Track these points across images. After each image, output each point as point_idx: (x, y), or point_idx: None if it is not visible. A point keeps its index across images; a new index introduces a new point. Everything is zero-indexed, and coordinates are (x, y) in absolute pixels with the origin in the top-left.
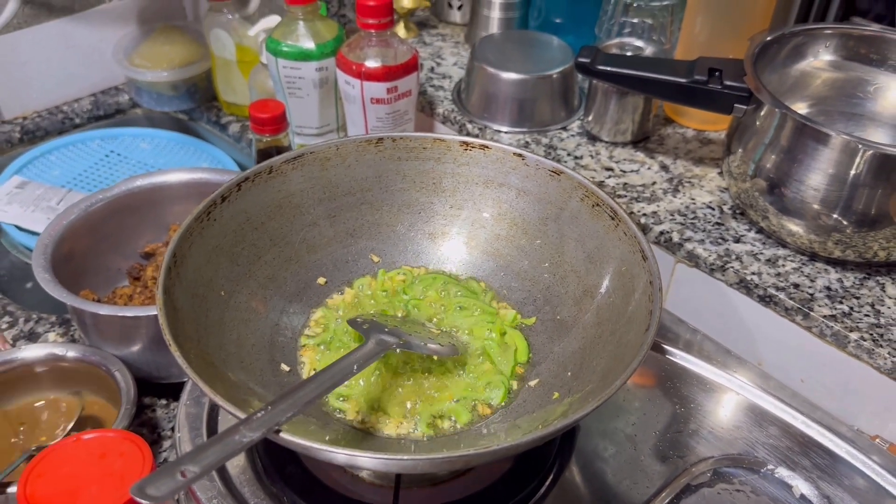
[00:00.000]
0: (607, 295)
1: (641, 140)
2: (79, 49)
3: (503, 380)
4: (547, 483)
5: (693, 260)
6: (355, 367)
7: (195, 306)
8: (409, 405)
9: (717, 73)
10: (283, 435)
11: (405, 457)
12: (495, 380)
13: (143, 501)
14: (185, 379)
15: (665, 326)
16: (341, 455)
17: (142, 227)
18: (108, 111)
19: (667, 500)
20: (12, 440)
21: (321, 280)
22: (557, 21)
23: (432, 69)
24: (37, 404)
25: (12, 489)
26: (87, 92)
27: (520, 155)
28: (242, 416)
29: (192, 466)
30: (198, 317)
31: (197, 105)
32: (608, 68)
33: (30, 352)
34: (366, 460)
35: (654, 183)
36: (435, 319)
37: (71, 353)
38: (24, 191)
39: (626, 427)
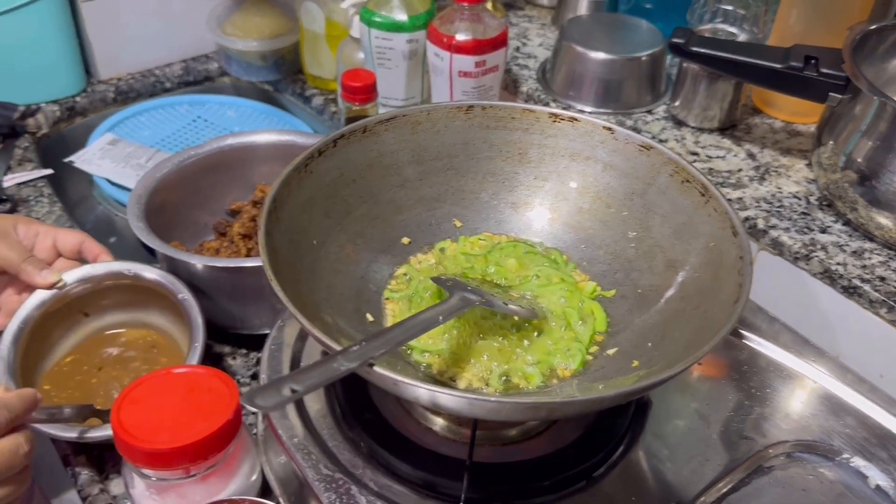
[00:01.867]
0: (693, 270)
1: (728, 127)
2: (174, 16)
3: (581, 347)
4: (618, 452)
5: (777, 248)
6: (441, 318)
7: (291, 251)
8: (484, 363)
9: (813, 61)
10: (375, 369)
11: (490, 398)
12: (573, 346)
13: (252, 409)
14: (266, 331)
15: (742, 314)
16: (425, 390)
17: (229, 185)
18: (197, 77)
19: (738, 479)
20: (92, 362)
21: (405, 240)
22: (648, 6)
23: (518, 49)
24: (107, 328)
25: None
26: (178, 58)
27: (609, 129)
28: (338, 348)
29: (295, 385)
30: (293, 261)
31: (283, 76)
32: (702, 50)
33: (105, 268)
34: (449, 398)
35: (739, 170)
36: (513, 285)
37: (149, 275)
38: (115, 148)
39: (699, 406)
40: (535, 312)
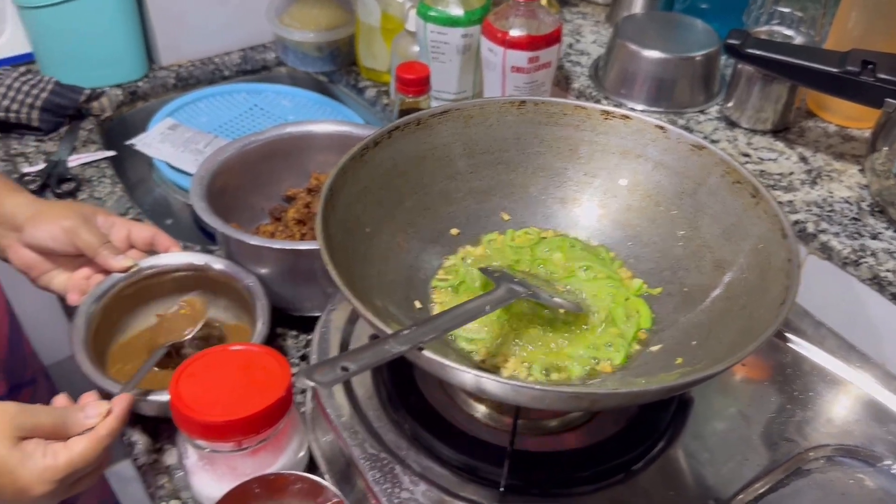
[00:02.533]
0: (740, 271)
1: (781, 130)
2: (234, 5)
3: (624, 342)
4: (657, 448)
5: (826, 252)
6: (487, 308)
7: (345, 238)
8: (528, 354)
9: (870, 66)
10: (424, 352)
11: (535, 386)
12: (617, 341)
13: (303, 388)
14: (316, 313)
15: (788, 317)
16: (471, 375)
17: (286, 172)
18: (254, 66)
19: (777, 480)
20: (157, 342)
21: (454, 231)
22: (703, 6)
23: (570, 45)
24: (171, 310)
25: (156, 396)
26: (237, 47)
27: (661, 127)
28: (389, 332)
29: (348, 363)
30: (347, 248)
31: (337, 68)
32: (758, 52)
33: (175, 259)
34: (494, 384)
35: (791, 173)
36: (559, 279)
37: (217, 265)
38: (174, 132)
39: (741, 406)
40: (579, 306)
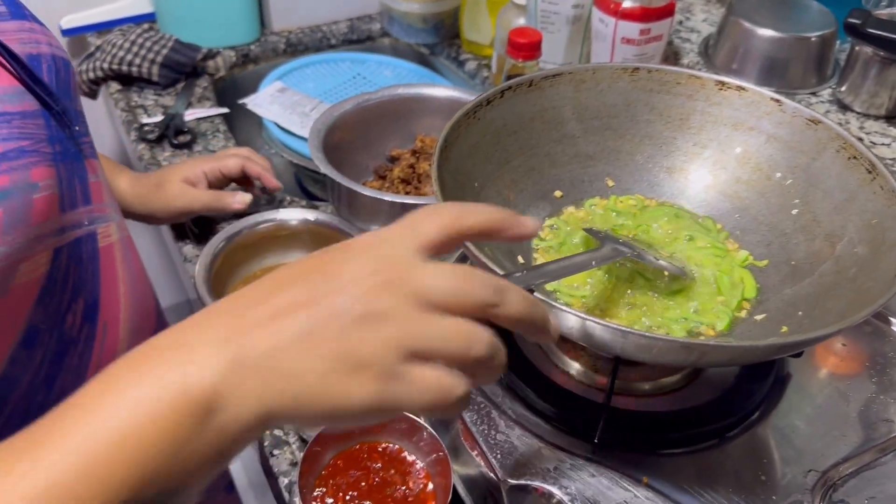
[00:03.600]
0: (851, 245)
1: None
2: None
3: (728, 310)
4: (753, 417)
5: None
6: (593, 263)
7: (456, 190)
8: (628, 314)
9: None
10: (535, 294)
11: (643, 333)
12: (721, 309)
13: None
14: None
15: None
16: (578, 318)
17: (393, 132)
18: (360, 36)
19: (874, 458)
20: None
21: (558, 193)
22: None
23: (681, 22)
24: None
25: None
26: (344, 16)
27: (777, 100)
28: (501, 273)
29: None
30: (457, 198)
31: (440, 40)
32: (880, 32)
33: (293, 214)
34: (601, 328)
35: None
36: (664, 245)
37: (332, 221)
38: (283, 95)
39: (840, 385)
40: (684, 271)
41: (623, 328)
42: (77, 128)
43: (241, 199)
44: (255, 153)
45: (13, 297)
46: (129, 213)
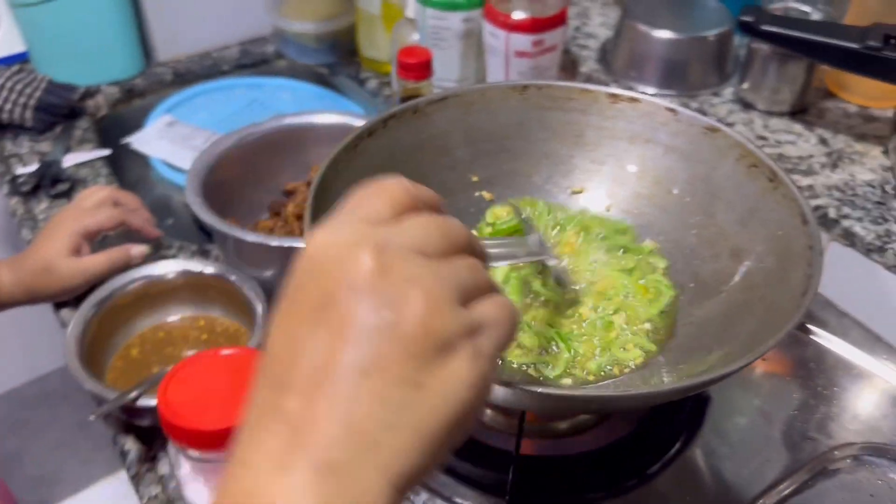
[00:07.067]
0: (758, 259)
1: (799, 111)
2: None
3: (638, 340)
4: (674, 449)
5: (849, 238)
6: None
7: None
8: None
9: (893, 41)
10: None
11: (539, 389)
12: (629, 340)
13: None
14: None
15: (810, 308)
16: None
17: (285, 164)
18: (254, 60)
19: (801, 481)
20: (147, 355)
21: None
22: None
23: (577, 29)
24: (170, 319)
25: (145, 401)
26: (235, 40)
27: (672, 110)
28: None
29: None
30: None
31: (337, 59)
32: (774, 28)
33: (167, 267)
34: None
35: (811, 156)
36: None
37: (208, 269)
38: (172, 129)
39: (762, 403)
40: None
41: (525, 387)
42: None
43: (138, 252)
44: (122, 192)
45: None
46: (10, 304)
